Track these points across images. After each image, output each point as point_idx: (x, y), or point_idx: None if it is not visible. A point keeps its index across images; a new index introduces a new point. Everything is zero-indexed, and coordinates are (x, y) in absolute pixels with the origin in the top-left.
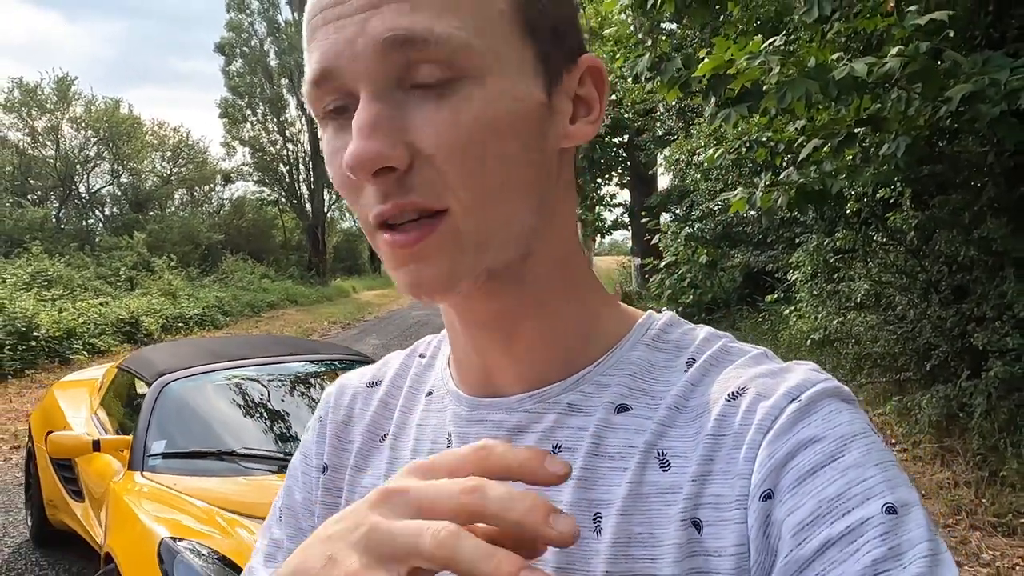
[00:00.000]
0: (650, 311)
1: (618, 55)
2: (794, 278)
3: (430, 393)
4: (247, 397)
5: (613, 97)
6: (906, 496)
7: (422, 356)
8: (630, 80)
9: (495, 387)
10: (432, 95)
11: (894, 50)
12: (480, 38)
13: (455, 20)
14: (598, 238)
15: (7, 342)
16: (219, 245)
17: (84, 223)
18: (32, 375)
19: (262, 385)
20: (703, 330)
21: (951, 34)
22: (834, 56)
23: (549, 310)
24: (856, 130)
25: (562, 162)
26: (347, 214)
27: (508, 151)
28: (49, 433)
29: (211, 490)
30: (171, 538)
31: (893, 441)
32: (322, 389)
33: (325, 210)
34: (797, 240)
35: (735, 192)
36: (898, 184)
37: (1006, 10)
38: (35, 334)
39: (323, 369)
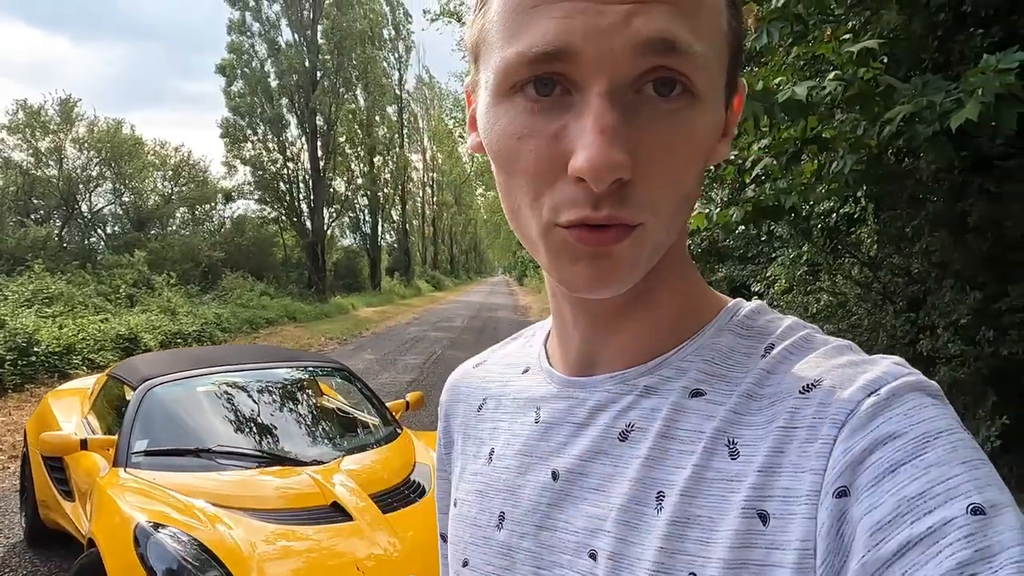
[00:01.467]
0: (739, 298)
1: None
2: (771, 292)
3: (526, 370)
4: (226, 400)
5: None
6: (996, 497)
7: (523, 339)
8: None
9: (589, 369)
10: (664, 111)
11: (831, 75)
12: (715, 63)
13: (706, 39)
14: None
15: (8, 357)
16: (219, 263)
17: (86, 242)
18: (32, 390)
19: (241, 389)
20: (789, 319)
21: (885, 60)
22: (776, 81)
23: (655, 302)
24: (804, 148)
25: None
26: (347, 231)
27: (697, 171)
28: None
29: (189, 484)
30: (148, 523)
31: None
32: (298, 393)
33: (325, 227)
34: (774, 255)
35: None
36: (861, 199)
37: (951, 35)
38: (35, 350)
39: (301, 376)
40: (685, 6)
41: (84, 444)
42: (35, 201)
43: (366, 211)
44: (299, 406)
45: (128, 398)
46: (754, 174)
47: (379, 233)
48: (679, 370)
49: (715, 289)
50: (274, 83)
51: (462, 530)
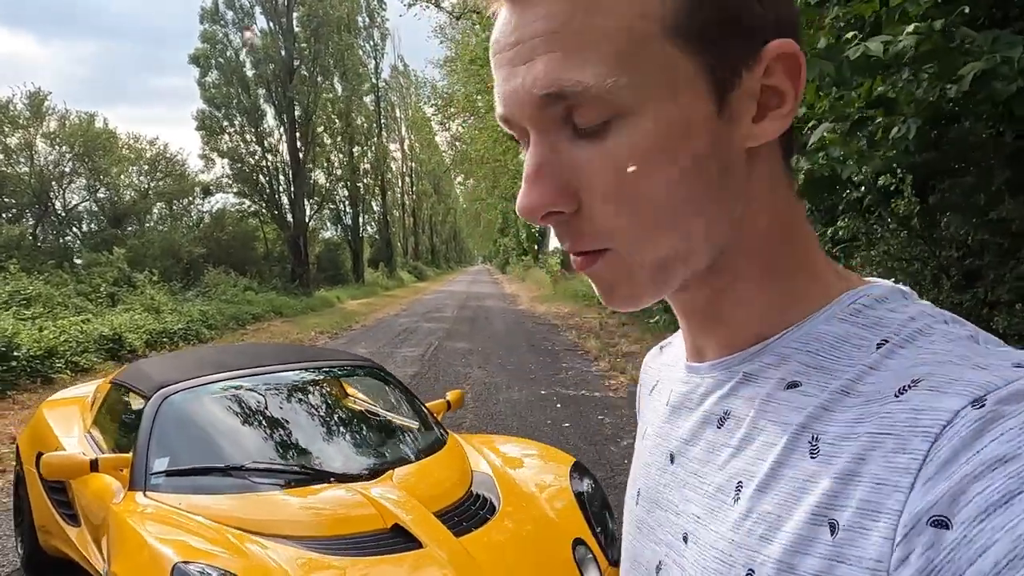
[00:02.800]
0: (872, 281)
1: None
2: None
3: (679, 361)
4: (250, 408)
5: None
6: None
7: None
8: None
9: (700, 355)
10: (589, 139)
11: (909, 28)
12: (631, 73)
13: (604, 61)
14: None
15: None
16: (201, 259)
17: (61, 240)
18: (14, 396)
19: (264, 395)
20: (918, 306)
21: (967, 10)
22: (848, 36)
23: (737, 297)
24: (867, 113)
25: (756, 159)
26: (327, 224)
27: (668, 178)
28: (40, 455)
29: (219, 508)
30: (183, 562)
31: None
32: (325, 397)
33: (307, 220)
34: None
35: None
36: (899, 171)
37: None
38: (15, 354)
39: (324, 376)
40: (567, 43)
41: (95, 465)
42: (5, 199)
43: (346, 202)
44: (334, 412)
45: (137, 408)
46: (811, 142)
47: (360, 224)
48: (780, 357)
49: None
50: (250, 72)
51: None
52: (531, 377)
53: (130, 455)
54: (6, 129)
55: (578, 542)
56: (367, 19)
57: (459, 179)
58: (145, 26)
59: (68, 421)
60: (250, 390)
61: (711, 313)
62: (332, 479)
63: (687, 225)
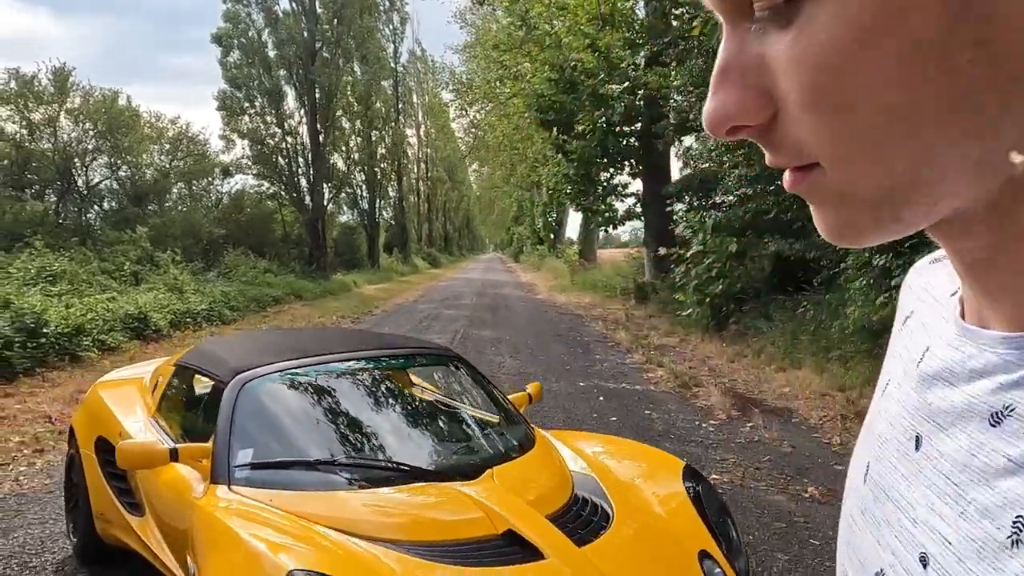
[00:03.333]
0: None
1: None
2: (846, 264)
3: (953, 293)
4: (332, 397)
5: (626, 85)
6: None
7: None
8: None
9: (981, 317)
10: (779, 27)
11: None
12: None
13: None
14: (608, 229)
15: (16, 339)
16: (220, 239)
17: (83, 218)
18: (43, 374)
19: (346, 384)
20: None
21: None
22: None
23: None
24: None
25: None
26: (344, 207)
27: (885, 76)
28: (100, 439)
29: (311, 506)
30: (300, 570)
31: None
32: (408, 388)
33: (325, 203)
34: None
35: None
36: None
37: None
38: (44, 331)
39: (405, 365)
40: None
41: (175, 455)
42: (29, 176)
43: (363, 187)
44: (419, 404)
45: (207, 394)
46: None
47: (376, 209)
48: None
49: (759, 264)
50: (272, 53)
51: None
52: (567, 368)
53: (209, 444)
54: (30, 105)
55: (704, 555)
56: (387, 2)
57: (474, 166)
58: (159, 4)
59: (129, 404)
60: (330, 378)
61: (994, 274)
62: (430, 477)
63: (915, 145)
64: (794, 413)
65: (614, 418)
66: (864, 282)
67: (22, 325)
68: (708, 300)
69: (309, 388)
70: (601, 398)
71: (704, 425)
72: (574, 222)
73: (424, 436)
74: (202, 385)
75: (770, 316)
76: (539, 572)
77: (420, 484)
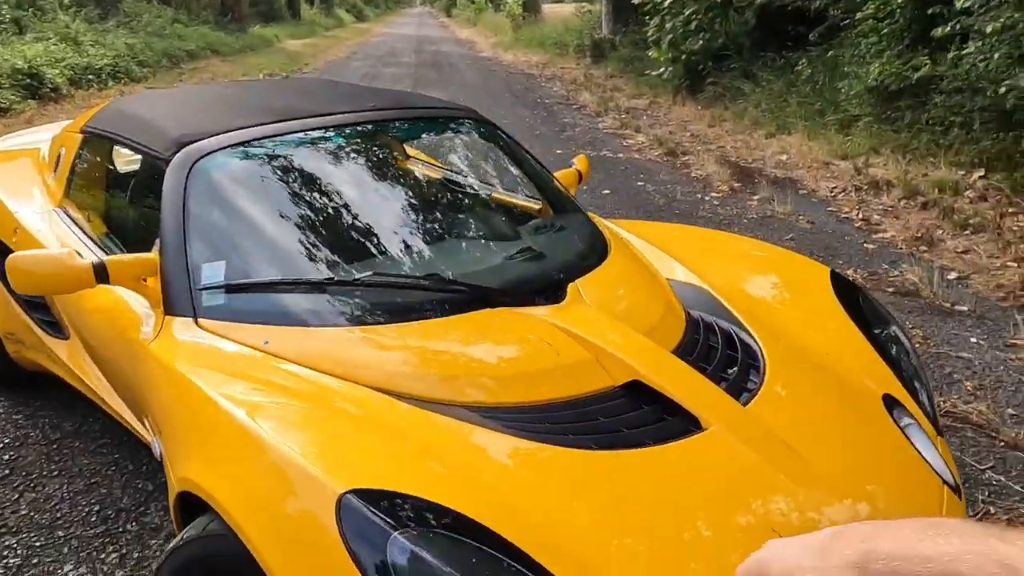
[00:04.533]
0: None
1: None
2: (863, 13)
3: None
4: (329, 181)
5: None
6: None
7: None
8: None
9: None
10: None
11: None
12: None
13: None
14: None
15: None
16: None
17: None
18: None
19: (352, 159)
20: None
21: None
22: None
23: None
24: None
25: None
26: None
27: None
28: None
29: (330, 353)
30: (354, 491)
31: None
32: (434, 167)
33: None
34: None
35: None
36: None
37: None
38: None
39: (422, 132)
40: None
41: (102, 273)
42: None
43: None
44: (456, 192)
45: (128, 173)
46: None
47: None
48: None
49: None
50: None
51: None
52: (536, 134)
53: (154, 255)
54: None
55: (890, 401)
56: None
57: None
58: None
59: (23, 187)
60: (320, 151)
61: None
62: (494, 301)
63: None
64: (799, 184)
65: (606, 191)
66: (886, 33)
67: None
68: (684, 58)
69: (291, 167)
70: None
71: (706, 199)
72: None
73: (467, 239)
74: (126, 161)
75: (753, 76)
76: (703, 450)
77: (483, 311)
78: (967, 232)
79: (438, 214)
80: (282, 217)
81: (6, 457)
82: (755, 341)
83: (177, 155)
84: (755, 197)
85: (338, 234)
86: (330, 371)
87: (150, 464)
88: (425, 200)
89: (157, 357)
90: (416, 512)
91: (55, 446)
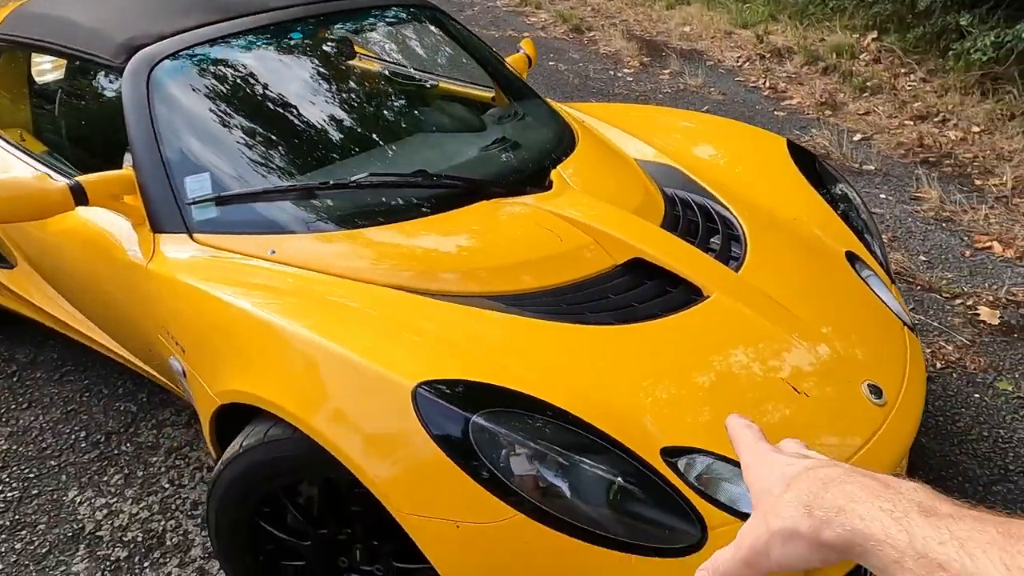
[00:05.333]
0: None
1: None
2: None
3: None
4: (298, 82)
5: None
6: None
7: None
8: None
9: None
10: None
11: None
12: None
13: None
14: None
15: None
16: None
17: None
18: None
19: (307, 57)
20: None
21: None
22: None
23: None
24: None
25: None
26: None
27: None
28: None
29: (339, 258)
30: (425, 385)
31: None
32: (396, 60)
33: None
34: None
35: None
36: None
37: None
38: None
39: (376, 25)
40: None
41: (80, 193)
42: None
43: None
44: (422, 86)
45: (54, 85)
46: None
47: None
48: None
49: None
50: None
51: None
52: None
53: (127, 171)
54: None
55: (851, 256)
56: None
57: None
58: None
59: None
60: (281, 49)
61: None
62: (488, 192)
63: None
64: (706, 55)
65: None
66: None
67: None
68: None
69: (254, 67)
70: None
71: (619, 75)
72: None
73: (439, 131)
74: (40, 71)
75: None
76: (711, 315)
77: (480, 203)
78: (866, 94)
79: (406, 108)
80: (255, 122)
81: None
82: (730, 212)
83: (131, 62)
84: (666, 71)
85: (315, 135)
86: (345, 275)
87: (125, 386)
88: (390, 95)
89: (163, 276)
90: (482, 394)
91: (15, 379)
